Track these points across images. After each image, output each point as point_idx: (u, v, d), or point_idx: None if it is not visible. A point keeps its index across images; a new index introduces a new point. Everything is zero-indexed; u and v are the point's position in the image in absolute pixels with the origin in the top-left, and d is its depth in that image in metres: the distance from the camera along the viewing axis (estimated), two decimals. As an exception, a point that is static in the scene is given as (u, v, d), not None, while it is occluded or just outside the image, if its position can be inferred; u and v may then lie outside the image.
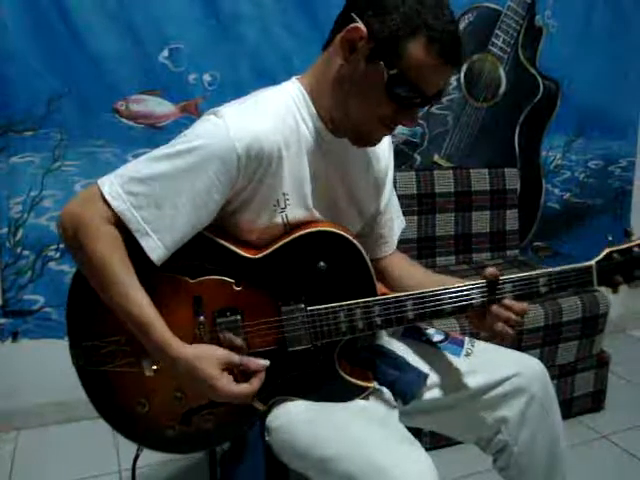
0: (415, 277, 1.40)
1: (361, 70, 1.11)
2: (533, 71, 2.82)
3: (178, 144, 1.11)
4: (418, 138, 2.67)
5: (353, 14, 1.09)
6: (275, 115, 1.15)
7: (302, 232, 1.20)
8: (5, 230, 2.21)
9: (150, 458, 1.99)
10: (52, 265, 2.28)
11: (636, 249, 1.23)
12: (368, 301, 1.19)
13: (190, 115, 2.29)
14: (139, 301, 1.08)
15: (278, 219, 1.19)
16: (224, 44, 2.30)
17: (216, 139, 1.09)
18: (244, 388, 1.11)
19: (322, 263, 1.19)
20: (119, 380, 1.20)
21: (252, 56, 2.33)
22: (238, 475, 1.22)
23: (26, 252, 2.25)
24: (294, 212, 1.20)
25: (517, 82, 2.80)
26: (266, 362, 1.15)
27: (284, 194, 1.18)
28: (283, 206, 1.18)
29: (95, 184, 1.11)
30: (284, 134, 1.15)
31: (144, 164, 1.11)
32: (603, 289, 1.26)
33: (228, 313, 1.17)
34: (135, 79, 2.24)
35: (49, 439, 2.28)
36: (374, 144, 1.24)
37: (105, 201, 1.09)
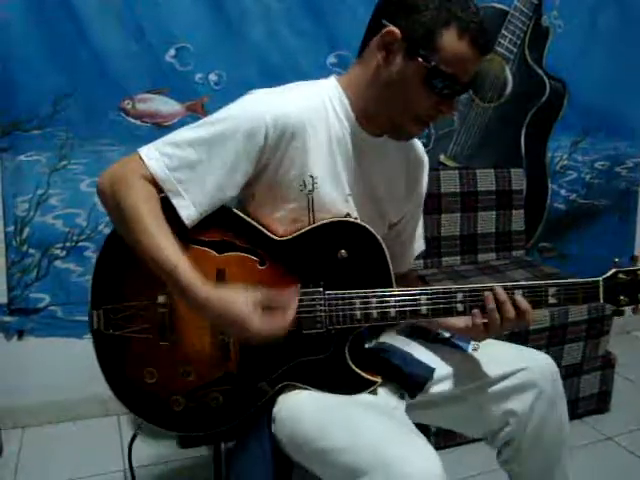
0: None
1: (399, 70, 1.17)
2: (539, 71, 2.82)
3: (214, 115, 1.20)
4: (424, 138, 2.67)
5: (384, 20, 1.17)
6: (305, 99, 1.23)
7: (327, 220, 1.25)
8: (11, 228, 2.22)
9: (155, 457, 2.01)
10: (58, 264, 2.28)
11: None
12: (385, 291, 1.23)
13: (196, 114, 2.29)
14: (168, 246, 1.11)
15: (304, 202, 1.23)
16: (230, 43, 2.30)
17: (247, 110, 1.19)
18: (278, 318, 1.12)
19: (344, 251, 1.24)
20: (132, 347, 1.22)
21: (258, 55, 2.34)
22: (245, 467, 1.22)
23: (32, 250, 2.25)
24: (320, 197, 1.24)
25: (523, 82, 2.80)
26: (296, 289, 1.18)
27: (312, 177, 1.23)
28: (311, 188, 1.23)
29: (136, 151, 1.20)
30: (312, 118, 1.21)
31: (181, 132, 1.21)
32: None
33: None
34: (141, 78, 2.24)
35: (54, 437, 2.28)
36: (411, 138, 1.32)
37: (143, 162, 1.17)
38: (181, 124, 2.22)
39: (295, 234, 1.24)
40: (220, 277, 1.20)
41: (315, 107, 1.23)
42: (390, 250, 1.42)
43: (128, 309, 1.21)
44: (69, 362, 1.96)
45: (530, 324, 1.25)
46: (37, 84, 2.14)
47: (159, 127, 2.29)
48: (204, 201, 1.17)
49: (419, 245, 1.53)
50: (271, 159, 1.20)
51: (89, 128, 2.22)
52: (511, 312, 1.21)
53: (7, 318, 2.28)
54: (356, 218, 1.29)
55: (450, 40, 1.12)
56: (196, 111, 2.30)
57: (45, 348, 2.30)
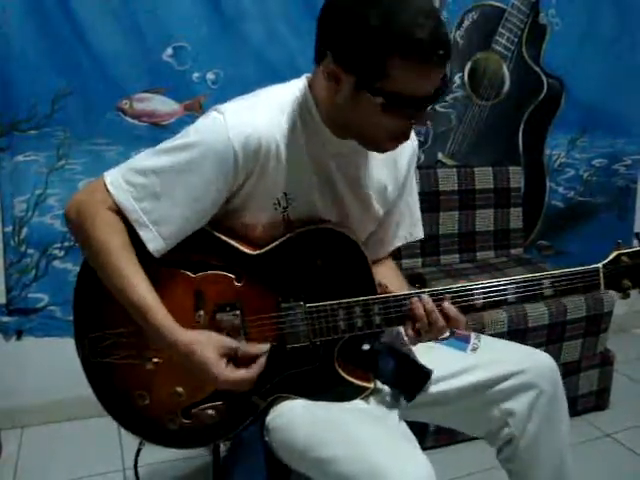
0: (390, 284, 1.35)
1: (354, 99, 1.09)
2: (537, 69, 2.82)
3: (178, 139, 1.14)
4: (422, 136, 2.67)
5: (326, 50, 1.08)
6: (275, 112, 1.16)
7: (303, 229, 1.21)
8: (9, 228, 2.21)
9: (155, 457, 2.00)
10: (56, 263, 2.28)
11: None
12: (367, 299, 1.19)
13: (194, 113, 2.28)
14: (138, 285, 1.10)
15: (279, 218, 1.20)
16: (228, 42, 2.30)
17: (214, 135, 1.11)
18: (242, 374, 1.12)
19: (322, 261, 1.20)
20: (121, 372, 1.21)
21: (256, 54, 2.33)
22: (237, 475, 1.22)
23: (30, 250, 2.25)
24: (297, 212, 1.21)
25: (521, 80, 2.79)
26: (266, 346, 1.15)
27: (285, 194, 1.19)
28: (285, 205, 1.19)
29: (102, 175, 1.16)
30: (283, 132, 1.16)
31: (146, 157, 1.15)
32: (612, 292, 1.23)
33: (228, 308, 1.19)
34: (139, 78, 2.24)
35: (53, 437, 2.28)
36: (391, 150, 1.21)
37: (108, 191, 1.13)
38: (179, 123, 2.27)
39: (269, 247, 1.20)
40: (198, 298, 1.19)
41: (285, 116, 1.16)
42: (373, 236, 1.39)
43: (111, 337, 1.20)
44: (68, 362, 1.94)
45: (463, 328, 1.21)
46: (34, 84, 2.13)
47: (157, 126, 2.29)
48: (172, 233, 1.14)
49: (413, 232, 1.46)
50: (245, 182, 1.15)
51: (87, 128, 2.22)
52: (439, 321, 1.16)
53: (6, 318, 2.28)
54: (335, 224, 1.24)
55: (395, 67, 1.02)
56: (194, 110, 2.29)
57: (44, 348, 2.30)
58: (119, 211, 1.13)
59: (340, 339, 1.21)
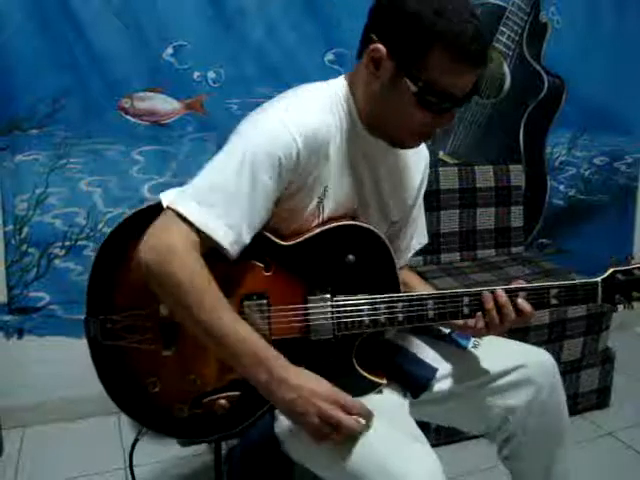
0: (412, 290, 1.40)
1: (390, 86, 1.13)
2: (538, 67, 2.82)
3: (239, 143, 1.13)
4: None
5: (373, 34, 1.13)
6: (327, 112, 1.19)
7: (334, 224, 1.23)
8: (10, 227, 2.22)
9: (156, 456, 2.01)
10: (57, 262, 2.29)
11: (637, 271, 1.28)
12: (392, 297, 1.22)
13: (195, 112, 2.29)
14: (237, 322, 1.08)
15: (315, 209, 1.22)
16: (228, 41, 2.30)
17: (277, 134, 1.11)
18: (326, 435, 1.07)
19: (351, 256, 1.22)
20: (132, 356, 1.20)
21: (256, 53, 2.32)
22: (246, 466, 1.22)
23: (31, 250, 2.25)
24: (330, 204, 1.23)
25: (522, 78, 2.80)
26: (363, 424, 1.10)
27: (325, 187, 1.21)
28: (322, 197, 1.22)
29: (165, 210, 1.10)
30: (332, 131, 1.19)
31: (210, 173, 1.13)
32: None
33: (255, 297, 1.18)
34: (140, 77, 2.24)
35: (55, 436, 2.28)
36: (410, 148, 1.28)
37: (184, 220, 1.07)
38: (180, 122, 2.27)
39: (301, 239, 1.21)
40: (225, 285, 1.13)
41: (332, 117, 1.19)
42: (392, 246, 1.42)
43: (127, 319, 1.18)
44: (69, 361, 1.96)
45: (529, 323, 1.24)
46: (35, 83, 2.13)
47: (158, 125, 2.28)
48: (251, 234, 1.12)
49: (420, 239, 1.51)
50: (298, 178, 1.16)
51: (88, 127, 2.22)
52: (511, 314, 1.21)
53: (7, 317, 2.28)
54: (362, 221, 1.27)
55: (436, 59, 1.07)
56: (195, 109, 2.30)
57: (45, 347, 2.30)
58: (199, 240, 1.08)
59: (361, 334, 1.23)
